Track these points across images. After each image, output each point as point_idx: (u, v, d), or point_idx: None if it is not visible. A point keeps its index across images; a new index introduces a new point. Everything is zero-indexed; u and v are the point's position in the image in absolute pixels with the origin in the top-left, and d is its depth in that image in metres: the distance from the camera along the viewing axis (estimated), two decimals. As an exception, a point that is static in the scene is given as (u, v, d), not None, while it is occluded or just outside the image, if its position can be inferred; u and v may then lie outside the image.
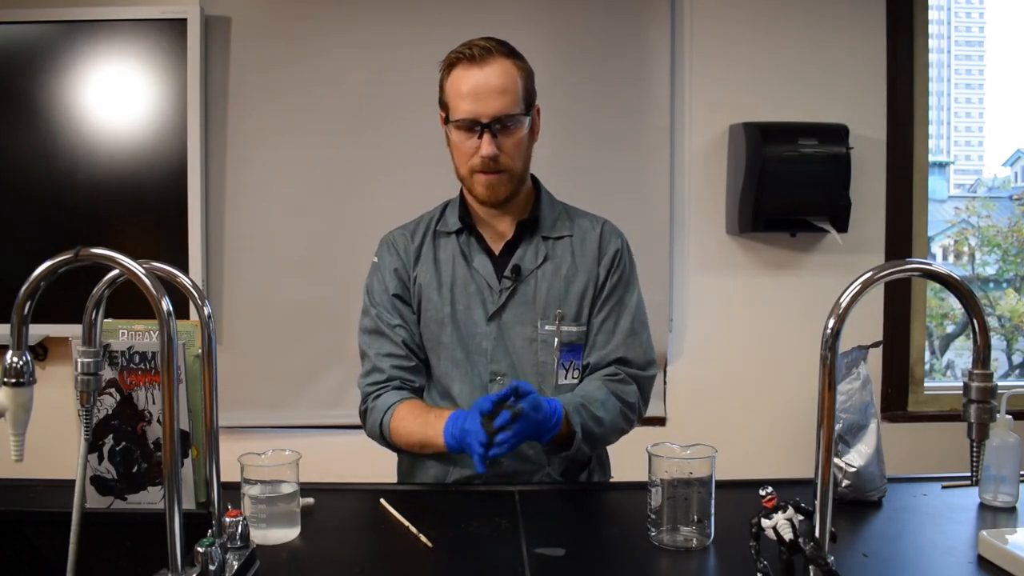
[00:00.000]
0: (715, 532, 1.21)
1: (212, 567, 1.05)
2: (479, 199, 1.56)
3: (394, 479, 1.69)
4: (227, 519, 1.12)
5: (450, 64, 1.52)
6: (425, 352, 1.62)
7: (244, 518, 1.13)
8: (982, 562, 1.15)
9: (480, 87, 1.48)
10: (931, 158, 2.85)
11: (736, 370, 2.79)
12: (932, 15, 2.81)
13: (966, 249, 3.29)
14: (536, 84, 1.58)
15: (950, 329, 3.23)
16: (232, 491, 1.23)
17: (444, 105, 1.55)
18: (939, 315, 3.17)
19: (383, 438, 1.57)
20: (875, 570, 1.15)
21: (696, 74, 2.74)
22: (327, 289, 2.64)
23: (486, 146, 1.48)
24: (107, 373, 1.29)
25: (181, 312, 1.08)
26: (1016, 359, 3.29)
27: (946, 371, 3.23)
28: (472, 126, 1.49)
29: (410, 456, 1.63)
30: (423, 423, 1.50)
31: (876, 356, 2.63)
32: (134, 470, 1.32)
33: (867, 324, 2.75)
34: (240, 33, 2.62)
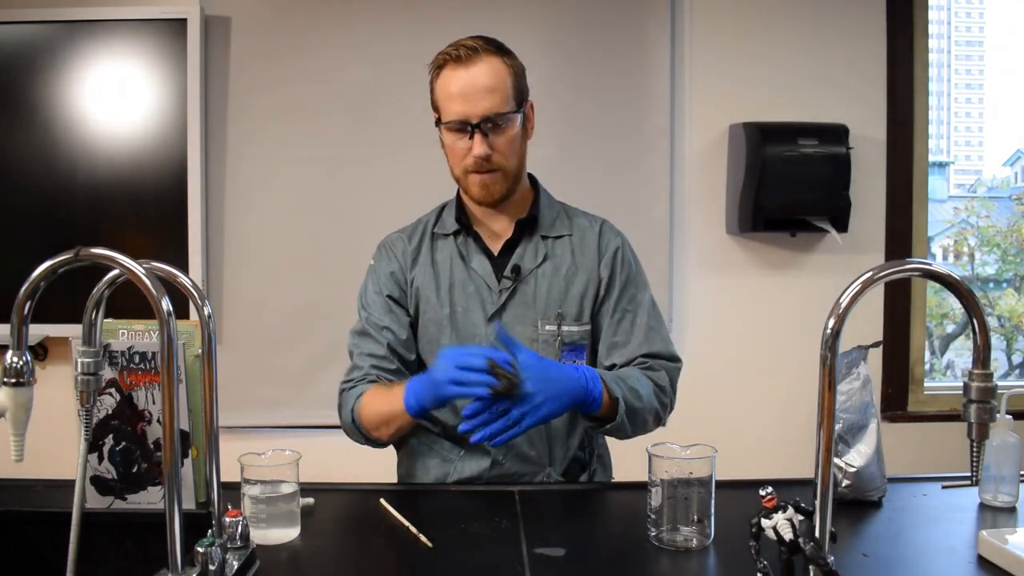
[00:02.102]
0: (715, 532, 1.21)
1: (212, 567, 1.05)
2: (475, 199, 1.56)
3: (394, 479, 1.69)
4: (227, 519, 1.12)
5: (438, 66, 1.52)
6: (416, 356, 1.61)
7: (244, 518, 1.13)
8: (982, 562, 1.15)
9: (468, 87, 1.47)
10: (931, 158, 2.85)
11: (736, 370, 2.78)
12: (932, 15, 2.81)
13: (966, 249, 3.28)
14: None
15: (950, 329, 3.23)
16: (232, 491, 1.23)
17: (435, 106, 1.55)
18: (939, 315, 3.17)
19: (354, 425, 1.54)
20: (875, 570, 1.15)
21: (696, 74, 2.74)
22: (327, 289, 2.64)
23: (478, 146, 1.48)
24: (107, 373, 1.29)
25: (181, 312, 1.08)
26: (1016, 359, 3.28)
27: (946, 371, 3.23)
28: (463, 127, 1.48)
29: (411, 455, 1.62)
30: (387, 397, 1.47)
31: (876, 356, 2.63)
32: (134, 470, 1.32)
33: (867, 324, 2.75)
34: (240, 33, 2.62)
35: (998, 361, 3.23)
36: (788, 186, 2.58)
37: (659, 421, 1.57)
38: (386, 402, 1.48)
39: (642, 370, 1.55)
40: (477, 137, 1.48)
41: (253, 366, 2.67)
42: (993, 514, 1.36)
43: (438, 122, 1.54)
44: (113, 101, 2.58)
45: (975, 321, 0.94)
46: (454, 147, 1.52)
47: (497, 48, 1.51)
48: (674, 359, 1.61)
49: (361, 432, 1.55)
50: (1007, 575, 1.11)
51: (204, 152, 2.60)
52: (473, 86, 1.47)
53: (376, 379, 1.56)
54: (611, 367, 1.58)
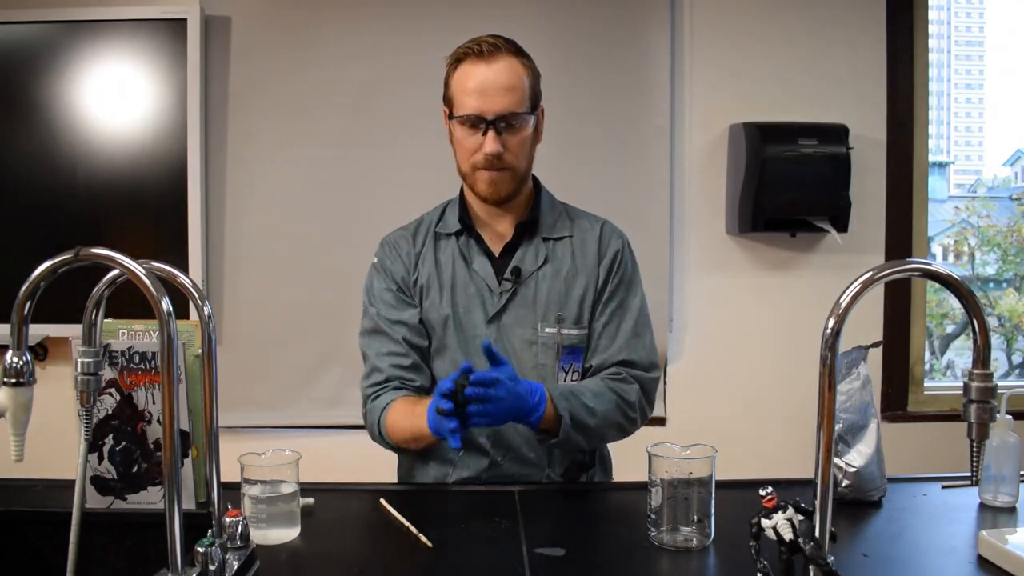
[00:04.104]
0: (715, 532, 1.21)
1: (212, 567, 1.05)
2: (480, 195, 1.55)
3: (394, 479, 1.69)
4: (227, 519, 1.12)
5: (457, 59, 1.51)
6: (429, 349, 1.61)
7: (244, 518, 1.13)
8: (982, 562, 1.15)
9: (487, 83, 1.46)
10: (931, 158, 2.85)
11: (736, 370, 2.78)
12: (932, 15, 2.81)
13: (966, 249, 3.28)
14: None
15: (950, 329, 3.23)
16: (232, 491, 1.23)
17: (448, 100, 1.54)
18: (939, 315, 3.16)
19: (382, 439, 1.56)
20: (875, 570, 1.15)
21: (696, 74, 2.74)
22: (327, 289, 2.64)
23: (490, 143, 1.47)
24: (107, 373, 1.29)
25: (181, 312, 1.08)
26: (1016, 359, 3.28)
27: (946, 371, 3.23)
28: (477, 122, 1.48)
29: (411, 456, 1.62)
30: (411, 415, 1.48)
31: (876, 356, 2.62)
32: (134, 470, 1.32)
33: (867, 324, 2.75)
34: (240, 33, 2.62)
35: (998, 361, 3.23)
36: (788, 186, 2.58)
37: (624, 432, 1.57)
38: (413, 420, 1.48)
39: (614, 381, 1.55)
40: (490, 134, 1.47)
41: (253, 366, 2.67)
42: (993, 514, 1.36)
43: (450, 116, 1.53)
44: (113, 101, 2.58)
45: (975, 321, 0.94)
46: (464, 142, 1.51)
47: (517, 50, 1.52)
48: (652, 367, 1.60)
49: (389, 445, 1.57)
50: (1007, 575, 1.11)
51: (204, 152, 2.60)
52: (493, 83, 1.46)
53: (400, 385, 1.56)
54: (588, 368, 1.59)
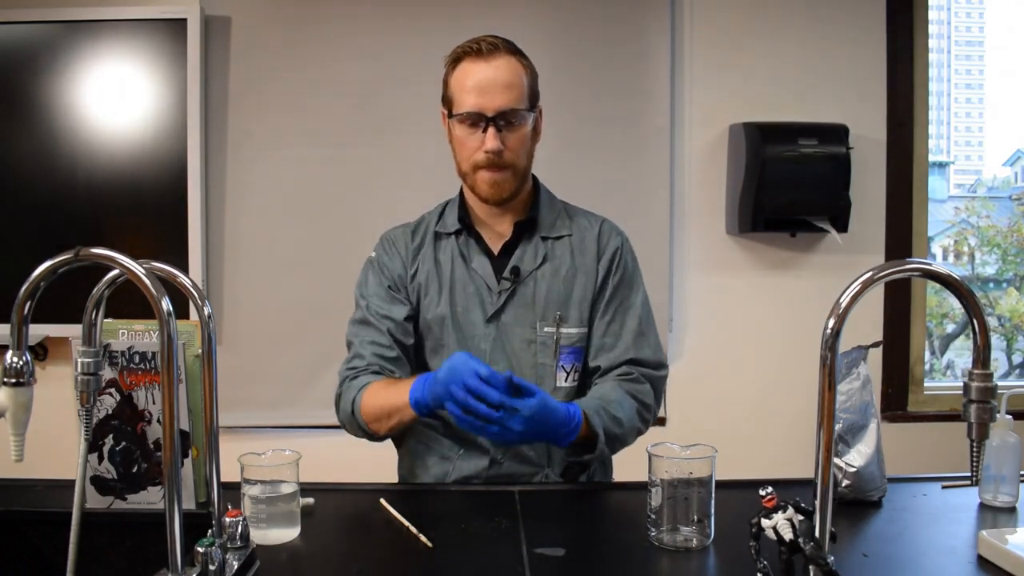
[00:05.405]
0: (715, 532, 1.21)
1: (212, 567, 1.05)
2: (482, 196, 1.55)
3: (394, 479, 1.69)
4: (227, 519, 1.12)
5: (456, 58, 1.52)
6: (415, 344, 1.60)
7: (244, 518, 1.13)
8: (982, 562, 1.15)
9: (487, 81, 1.47)
10: (931, 158, 2.85)
11: (736, 370, 2.79)
12: (932, 15, 2.81)
13: (966, 249, 3.28)
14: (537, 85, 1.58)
15: (950, 329, 3.23)
16: (232, 491, 1.23)
17: (447, 100, 1.54)
18: (939, 315, 3.17)
19: (353, 417, 1.52)
20: (875, 570, 1.15)
21: (696, 74, 2.74)
22: (327, 289, 2.64)
23: (491, 140, 1.47)
24: (107, 373, 1.29)
25: (181, 312, 1.08)
26: (1016, 359, 3.28)
27: (946, 371, 3.23)
28: (477, 120, 1.48)
29: (412, 455, 1.62)
30: (392, 391, 1.47)
31: (876, 356, 2.63)
32: (134, 470, 1.32)
33: (867, 324, 2.75)
34: (240, 33, 2.62)
35: (998, 361, 3.23)
36: (788, 186, 2.58)
37: (640, 435, 1.57)
38: (390, 395, 1.47)
39: (627, 382, 1.54)
40: (491, 131, 1.47)
41: (253, 366, 2.67)
42: (993, 514, 1.36)
43: (450, 115, 1.53)
44: (113, 101, 2.58)
45: (975, 321, 0.94)
46: (465, 141, 1.51)
47: (515, 49, 1.53)
48: (660, 366, 1.59)
49: (359, 424, 1.53)
50: (1007, 575, 1.11)
51: (204, 152, 2.60)
52: (492, 80, 1.47)
53: (379, 371, 1.55)
54: (596, 369, 1.58)
